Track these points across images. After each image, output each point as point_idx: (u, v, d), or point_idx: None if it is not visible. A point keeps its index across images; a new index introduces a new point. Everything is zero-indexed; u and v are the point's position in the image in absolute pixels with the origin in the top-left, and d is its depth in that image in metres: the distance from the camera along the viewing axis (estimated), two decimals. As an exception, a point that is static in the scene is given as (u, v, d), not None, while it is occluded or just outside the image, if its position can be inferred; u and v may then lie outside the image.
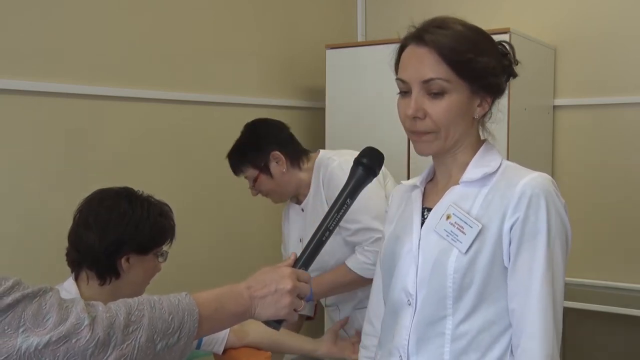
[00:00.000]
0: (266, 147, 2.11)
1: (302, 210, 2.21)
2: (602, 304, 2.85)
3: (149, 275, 1.68)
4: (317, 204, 2.11)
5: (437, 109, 1.28)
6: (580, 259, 3.19)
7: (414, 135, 1.33)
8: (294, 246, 2.20)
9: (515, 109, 2.74)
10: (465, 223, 1.28)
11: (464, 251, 1.26)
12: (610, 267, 3.14)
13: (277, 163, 2.11)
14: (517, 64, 1.38)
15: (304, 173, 2.16)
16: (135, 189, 1.69)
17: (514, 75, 1.39)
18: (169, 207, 1.71)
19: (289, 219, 2.30)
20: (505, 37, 2.64)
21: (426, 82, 1.28)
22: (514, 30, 2.72)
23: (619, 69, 3.09)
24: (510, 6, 3.31)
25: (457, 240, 1.27)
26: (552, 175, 3.24)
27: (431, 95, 1.29)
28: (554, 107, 3.24)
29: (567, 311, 3.10)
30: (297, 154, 2.16)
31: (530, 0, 3.28)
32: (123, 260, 1.59)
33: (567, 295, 2.95)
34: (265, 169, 2.12)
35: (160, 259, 1.69)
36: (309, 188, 2.16)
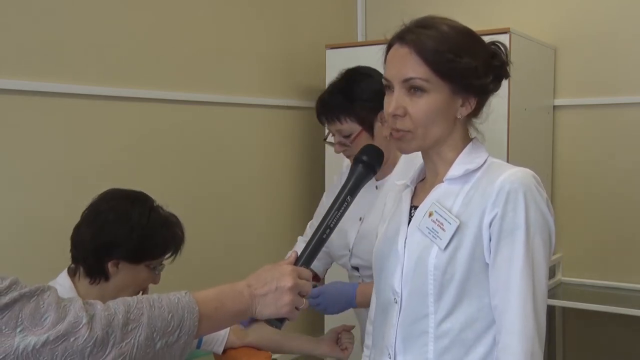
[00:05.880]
0: (379, 104, 1.67)
1: (377, 187, 1.96)
2: (602, 304, 2.84)
3: (139, 285, 1.62)
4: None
5: (416, 108, 1.30)
6: (580, 259, 3.20)
7: (394, 132, 1.34)
8: (351, 225, 1.98)
9: (515, 109, 2.73)
10: (445, 220, 1.29)
11: (443, 247, 1.27)
12: (610, 267, 3.14)
13: (383, 125, 1.84)
14: (509, 65, 1.38)
15: None
16: (145, 192, 1.65)
17: (506, 76, 1.38)
18: (177, 220, 1.65)
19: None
20: (505, 37, 2.66)
21: (406, 81, 1.31)
22: (513, 30, 2.71)
23: (619, 69, 3.09)
24: (510, 6, 3.31)
25: (437, 237, 1.29)
26: (552, 175, 3.24)
27: (412, 93, 1.31)
28: (554, 107, 3.23)
29: (567, 311, 3.17)
30: None
31: (530, 0, 3.28)
32: (111, 264, 1.56)
33: (568, 295, 3.02)
34: (369, 128, 1.89)
35: (155, 272, 1.63)
36: (393, 165, 1.95)
